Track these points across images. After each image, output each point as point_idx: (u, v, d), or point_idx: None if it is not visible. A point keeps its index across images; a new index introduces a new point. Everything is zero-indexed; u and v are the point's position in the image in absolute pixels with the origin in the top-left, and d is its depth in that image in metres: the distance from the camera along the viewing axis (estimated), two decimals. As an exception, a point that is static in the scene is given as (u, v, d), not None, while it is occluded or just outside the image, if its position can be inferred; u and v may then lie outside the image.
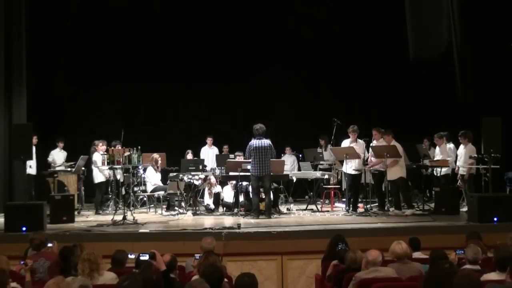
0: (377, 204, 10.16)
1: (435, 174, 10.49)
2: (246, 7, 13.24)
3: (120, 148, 9.36)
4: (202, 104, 13.34)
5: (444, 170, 10.42)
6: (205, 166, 11.01)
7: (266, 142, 9.34)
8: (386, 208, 9.78)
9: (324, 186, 11.04)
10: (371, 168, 9.92)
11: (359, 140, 9.88)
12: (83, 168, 10.81)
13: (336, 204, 10.86)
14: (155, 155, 10.55)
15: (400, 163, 9.65)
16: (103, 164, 9.60)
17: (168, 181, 10.45)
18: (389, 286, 4.81)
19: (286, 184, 11.85)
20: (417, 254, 5.99)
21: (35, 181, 11.07)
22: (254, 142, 9.36)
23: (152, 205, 10.70)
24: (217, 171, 11.09)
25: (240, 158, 10.50)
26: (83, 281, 4.28)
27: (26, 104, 11.25)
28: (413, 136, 10.92)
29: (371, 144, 9.89)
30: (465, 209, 9.41)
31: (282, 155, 12.39)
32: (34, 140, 9.74)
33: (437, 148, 10.48)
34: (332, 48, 13.47)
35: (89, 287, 4.21)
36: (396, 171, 9.61)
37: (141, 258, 4.62)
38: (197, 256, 5.47)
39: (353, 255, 5.27)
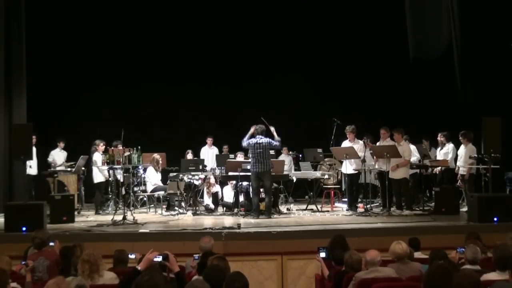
0: (377, 204, 10.14)
1: (435, 173, 10.48)
2: (247, 9, 13.25)
3: (120, 148, 9.36)
4: (202, 104, 13.33)
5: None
6: (205, 166, 11.02)
7: (265, 139, 9.42)
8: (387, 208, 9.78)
9: (324, 186, 11.05)
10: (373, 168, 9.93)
11: (358, 140, 9.90)
12: (83, 168, 10.81)
13: (336, 204, 10.87)
14: (156, 156, 10.54)
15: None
16: (103, 164, 9.60)
17: (168, 181, 10.46)
18: (389, 286, 4.81)
19: (286, 184, 11.84)
20: (417, 254, 6.00)
21: (35, 181, 11.08)
22: (255, 138, 9.42)
23: (152, 205, 10.70)
24: (217, 171, 11.10)
25: (240, 158, 10.50)
26: (79, 281, 4.27)
27: (26, 104, 11.25)
28: (413, 136, 10.90)
29: (377, 144, 9.93)
30: (465, 209, 9.42)
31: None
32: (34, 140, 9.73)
33: (446, 146, 10.43)
34: (332, 48, 13.48)
35: (85, 287, 4.21)
36: (401, 171, 9.64)
37: (155, 259, 4.62)
38: (196, 256, 5.46)
39: (349, 258, 5.22)
